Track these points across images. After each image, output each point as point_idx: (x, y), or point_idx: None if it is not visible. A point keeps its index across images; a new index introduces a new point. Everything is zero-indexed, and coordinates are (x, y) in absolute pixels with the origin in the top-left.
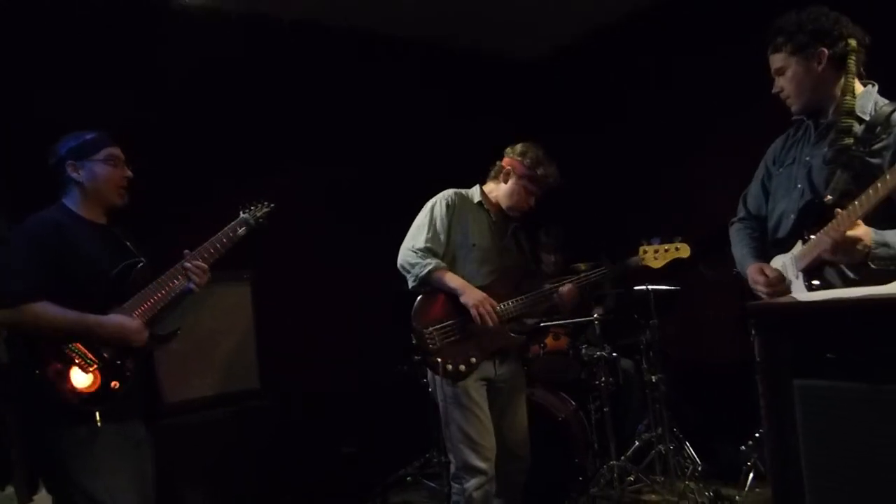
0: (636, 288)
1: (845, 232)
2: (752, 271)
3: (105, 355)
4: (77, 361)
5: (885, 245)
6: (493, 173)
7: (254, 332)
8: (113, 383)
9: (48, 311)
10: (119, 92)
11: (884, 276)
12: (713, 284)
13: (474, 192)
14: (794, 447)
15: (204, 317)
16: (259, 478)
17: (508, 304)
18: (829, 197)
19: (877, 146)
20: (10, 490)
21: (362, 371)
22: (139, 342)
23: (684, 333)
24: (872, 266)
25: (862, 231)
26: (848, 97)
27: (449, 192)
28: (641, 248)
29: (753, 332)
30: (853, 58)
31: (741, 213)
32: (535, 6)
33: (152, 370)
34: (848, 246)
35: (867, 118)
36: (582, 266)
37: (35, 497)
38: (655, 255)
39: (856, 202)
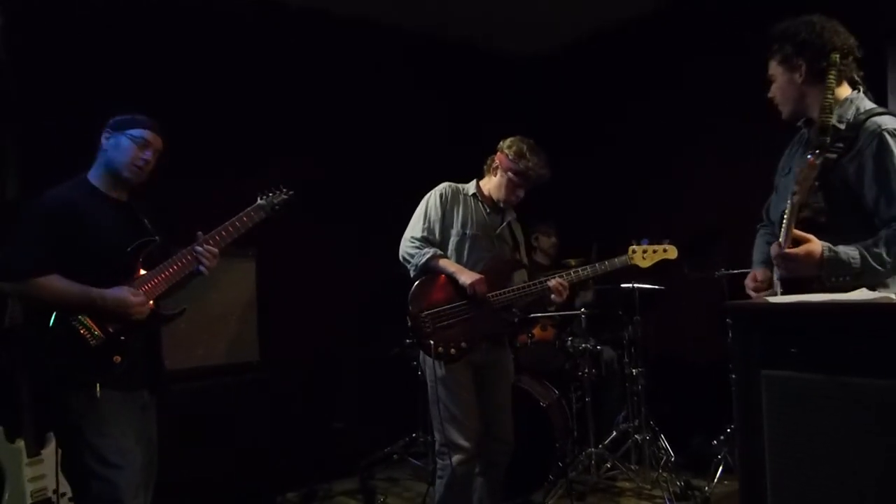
0: (622, 285)
1: (785, 249)
2: (749, 276)
3: (110, 329)
4: (83, 333)
5: (837, 261)
6: (486, 167)
7: (256, 308)
8: (115, 357)
9: (54, 284)
10: (133, 74)
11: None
12: (695, 285)
13: (470, 186)
14: (760, 430)
15: (209, 290)
16: (253, 446)
17: (501, 292)
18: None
19: (845, 158)
20: (20, 443)
21: (356, 351)
22: (139, 316)
23: (665, 330)
24: (827, 283)
25: (804, 250)
26: (825, 114)
27: (443, 185)
28: (630, 248)
29: (729, 329)
30: (832, 73)
31: (764, 219)
32: (536, 4)
33: (158, 345)
34: (789, 263)
35: (843, 128)
36: (572, 262)
37: (42, 451)
38: (644, 255)
39: (784, 220)
